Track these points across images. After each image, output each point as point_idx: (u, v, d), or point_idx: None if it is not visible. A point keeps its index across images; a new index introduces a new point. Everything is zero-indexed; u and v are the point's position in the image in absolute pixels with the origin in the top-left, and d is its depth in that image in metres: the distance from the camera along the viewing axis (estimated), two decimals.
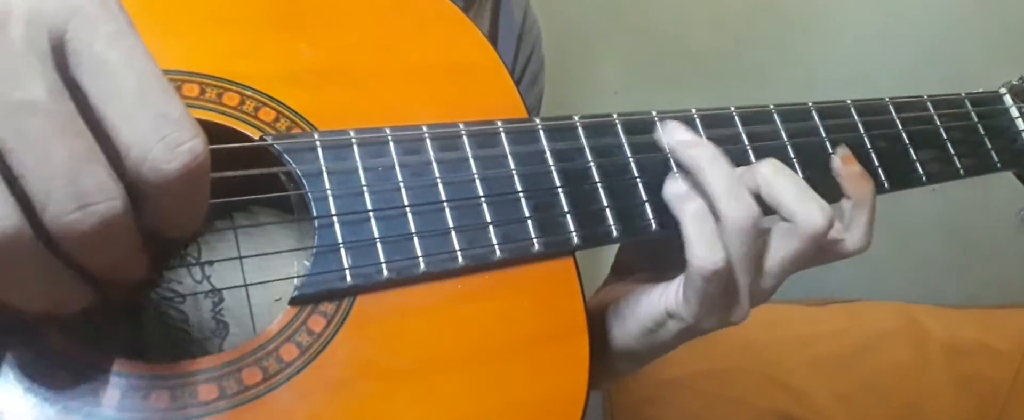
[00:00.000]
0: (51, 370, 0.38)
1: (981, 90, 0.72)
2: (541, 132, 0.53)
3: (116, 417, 0.39)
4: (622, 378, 0.63)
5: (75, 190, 0.32)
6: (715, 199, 0.51)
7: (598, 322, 0.58)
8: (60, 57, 0.33)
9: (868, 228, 0.57)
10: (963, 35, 1.68)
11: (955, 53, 1.66)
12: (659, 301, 0.55)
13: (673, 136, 0.55)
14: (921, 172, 0.65)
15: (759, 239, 0.51)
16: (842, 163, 0.59)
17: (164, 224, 0.36)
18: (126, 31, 0.34)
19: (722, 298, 0.52)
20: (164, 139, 0.33)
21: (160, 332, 0.47)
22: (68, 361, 0.39)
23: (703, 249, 0.50)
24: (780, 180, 0.52)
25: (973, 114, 0.70)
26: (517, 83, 0.77)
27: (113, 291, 0.38)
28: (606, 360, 0.59)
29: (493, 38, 0.76)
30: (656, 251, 0.59)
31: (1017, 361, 1.65)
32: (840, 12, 1.70)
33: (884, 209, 0.58)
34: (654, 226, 0.53)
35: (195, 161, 0.34)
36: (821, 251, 0.54)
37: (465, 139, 0.50)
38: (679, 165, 0.55)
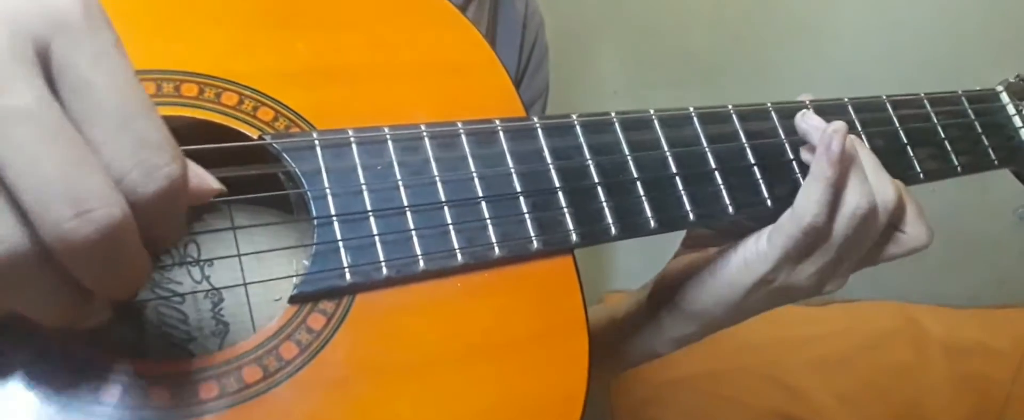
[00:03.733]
0: (51, 369, 0.38)
1: (978, 88, 0.72)
2: (539, 131, 0.53)
3: (116, 415, 0.39)
4: (678, 347, 0.66)
5: (71, 196, 0.31)
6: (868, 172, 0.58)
7: (669, 289, 0.63)
8: (45, 69, 0.32)
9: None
10: (963, 35, 1.69)
11: (955, 53, 1.66)
12: (751, 247, 0.58)
13: (809, 122, 0.60)
14: (918, 169, 0.65)
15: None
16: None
17: (143, 238, 0.35)
18: (110, 49, 0.33)
19: (810, 254, 0.57)
20: (141, 163, 0.32)
21: (159, 331, 0.47)
22: (68, 360, 0.39)
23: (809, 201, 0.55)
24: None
25: (970, 112, 0.70)
26: (522, 72, 0.79)
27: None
28: (666, 330, 0.64)
29: (493, 32, 0.76)
30: (734, 229, 0.62)
31: (1017, 361, 1.65)
32: (840, 12, 1.70)
33: None
34: (653, 224, 0.54)
35: (171, 186, 0.33)
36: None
37: (463, 138, 0.50)
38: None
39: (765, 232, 0.58)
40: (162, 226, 0.35)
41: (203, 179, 0.37)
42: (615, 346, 0.68)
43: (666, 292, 0.63)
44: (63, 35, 0.32)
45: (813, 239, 0.56)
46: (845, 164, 0.55)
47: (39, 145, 0.30)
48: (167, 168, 0.33)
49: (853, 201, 0.56)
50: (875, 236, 0.59)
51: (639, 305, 0.66)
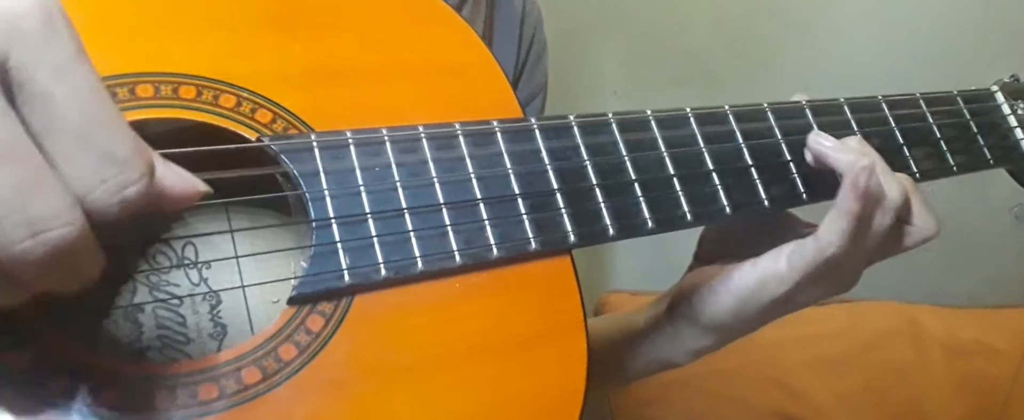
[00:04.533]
0: (50, 372, 0.38)
1: (973, 88, 0.73)
2: (537, 131, 0.53)
3: (115, 418, 0.39)
4: (696, 359, 0.67)
5: (24, 217, 0.30)
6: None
7: (686, 303, 0.64)
8: (4, 82, 0.31)
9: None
10: (963, 35, 1.69)
11: (954, 53, 1.66)
12: (769, 266, 0.59)
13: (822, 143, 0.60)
14: (915, 169, 0.65)
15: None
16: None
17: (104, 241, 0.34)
18: (72, 61, 0.32)
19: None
20: (106, 182, 0.32)
21: (157, 334, 0.47)
22: (67, 363, 0.39)
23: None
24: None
25: (965, 111, 0.70)
26: (520, 67, 0.79)
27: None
28: (682, 340, 0.65)
29: (490, 29, 0.76)
30: (744, 240, 0.63)
31: (1017, 361, 1.65)
32: (840, 12, 1.71)
33: None
34: (650, 224, 0.54)
35: (139, 202, 0.33)
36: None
37: (461, 139, 0.51)
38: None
39: (784, 252, 0.58)
40: (126, 233, 0.34)
41: (189, 183, 0.36)
42: (631, 356, 0.68)
43: (684, 306, 0.64)
44: (21, 46, 0.31)
45: (834, 266, 0.57)
46: (871, 198, 0.56)
47: None
48: (135, 186, 0.32)
49: (878, 227, 0.57)
50: (886, 236, 0.59)
51: (657, 318, 0.67)
